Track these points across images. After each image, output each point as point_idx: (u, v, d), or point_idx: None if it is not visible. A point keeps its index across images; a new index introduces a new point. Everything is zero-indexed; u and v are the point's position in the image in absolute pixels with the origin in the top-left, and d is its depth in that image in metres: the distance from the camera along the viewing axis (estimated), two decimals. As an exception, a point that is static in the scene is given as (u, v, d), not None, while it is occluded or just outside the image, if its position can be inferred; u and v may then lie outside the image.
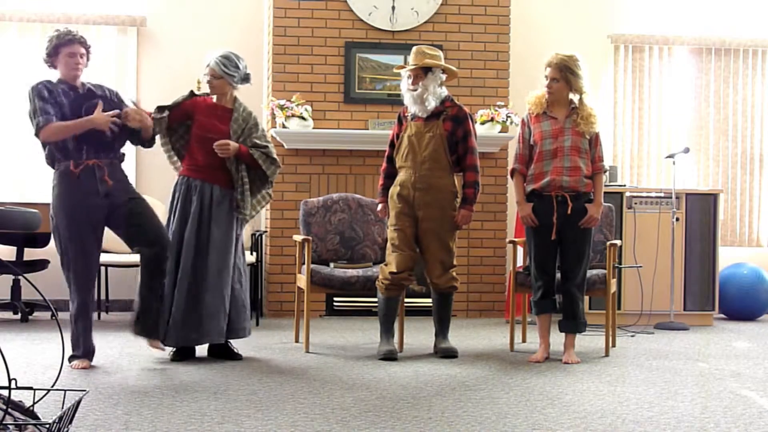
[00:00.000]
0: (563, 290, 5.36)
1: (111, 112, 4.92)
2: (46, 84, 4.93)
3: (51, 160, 4.98)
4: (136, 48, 7.64)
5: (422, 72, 5.37)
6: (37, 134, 4.88)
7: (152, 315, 5.05)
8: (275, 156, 5.36)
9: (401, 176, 5.45)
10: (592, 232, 5.40)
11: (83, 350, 4.94)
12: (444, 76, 5.44)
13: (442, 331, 5.54)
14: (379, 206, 5.62)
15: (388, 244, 5.50)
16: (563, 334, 5.41)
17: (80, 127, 4.86)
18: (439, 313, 5.54)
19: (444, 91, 5.44)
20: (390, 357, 5.28)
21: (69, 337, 4.95)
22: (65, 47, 4.95)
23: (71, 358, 4.95)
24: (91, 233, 4.95)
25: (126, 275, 7.41)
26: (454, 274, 5.48)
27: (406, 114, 5.51)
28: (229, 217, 5.26)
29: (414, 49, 5.47)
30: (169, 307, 5.13)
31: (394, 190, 5.47)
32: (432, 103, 5.36)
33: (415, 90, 5.36)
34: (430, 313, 7.31)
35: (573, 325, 5.35)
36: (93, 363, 5.03)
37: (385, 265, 5.48)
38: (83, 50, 4.99)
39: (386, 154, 5.59)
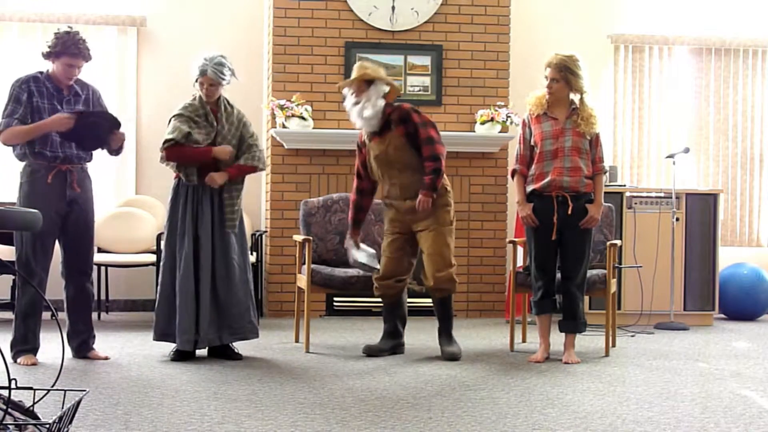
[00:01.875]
0: (563, 290, 5.36)
1: (67, 113, 4.93)
2: (32, 82, 4.95)
3: (22, 157, 5.03)
4: (136, 48, 7.64)
5: (365, 86, 5.32)
6: None
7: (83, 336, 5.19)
8: (260, 157, 5.38)
9: (386, 189, 5.44)
10: (592, 232, 5.40)
11: (32, 346, 5.00)
12: (387, 89, 5.35)
13: (442, 334, 5.48)
14: (348, 240, 5.56)
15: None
16: (563, 334, 5.41)
17: (38, 131, 4.92)
18: (437, 315, 5.50)
19: (381, 102, 5.31)
20: (368, 352, 5.40)
21: (13, 332, 5.02)
22: (68, 57, 4.97)
23: (19, 353, 4.97)
24: (51, 236, 5.02)
25: (126, 275, 7.42)
26: (452, 274, 5.37)
27: (363, 139, 5.47)
28: (240, 215, 5.39)
29: (356, 65, 5.44)
30: (194, 309, 5.16)
31: (384, 200, 5.48)
32: (368, 112, 5.27)
33: (359, 102, 5.32)
34: (430, 313, 7.32)
35: (573, 325, 5.35)
36: (91, 362, 5.07)
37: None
38: (83, 63, 5.05)
39: (354, 186, 5.55)
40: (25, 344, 4.99)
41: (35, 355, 5.03)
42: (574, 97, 5.35)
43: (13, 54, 7.49)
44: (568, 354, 5.33)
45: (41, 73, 5.04)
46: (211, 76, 5.20)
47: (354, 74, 5.38)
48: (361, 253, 5.48)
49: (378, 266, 5.48)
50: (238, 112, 5.40)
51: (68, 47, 4.95)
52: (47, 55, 5.01)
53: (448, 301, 5.47)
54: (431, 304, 7.33)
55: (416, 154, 5.31)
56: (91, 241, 5.23)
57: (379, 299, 5.62)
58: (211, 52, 5.28)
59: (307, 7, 7.35)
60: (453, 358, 5.35)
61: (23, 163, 5.06)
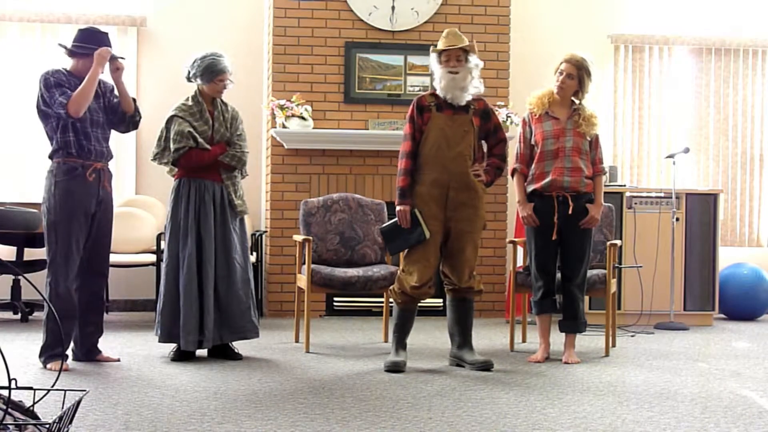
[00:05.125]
0: (564, 290, 5.36)
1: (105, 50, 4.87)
2: (54, 74, 4.86)
3: (57, 152, 4.87)
4: (136, 48, 7.64)
5: (464, 55, 5.02)
6: (66, 113, 4.76)
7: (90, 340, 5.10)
8: (241, 157, 5.34)
9: (431, 174, 4.96)
10: (592, 232, 5.40)
11: (63, 351, 4.85)
12: (482, 63, 5.12)
13: (467, 342, 5.11)
14: (400, 208, 4.96)
15: (409, 251, 5.01)
16: (563, 334, 5.41)
17: (93, 80, 4.80)
18: (463, 322, 5.11)
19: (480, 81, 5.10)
20: (395, 369, 4.87)
21: (43, 337, 4.90)
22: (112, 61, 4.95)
23: (49, 359, 4.85)
24: (83, 235, 4.94)
25: (126, 275, 7.41)
26: (478, 277, 5.15)
27: (427, 103, 5.04)
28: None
29: (447, 31, 5.05)
30: (198, 309, 5.16)
31: (422, 189, 4.96)
32: (472, 91, 4.99)
33: (458, 72, 4.96)
34: (430, 313, 7.33)
35: (573, 325, 5.35)
36: (92, 362, 5.06)
37: (403, 272, 5.02)
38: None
39: (407, 149, 4.99)
40: (56, 349, 4.84)
41: (66, 360, 4.92)
42: (575, 98, 5.36)
43: (13, 54, 7.49)
44: (568, 354, 5.33)
45: (62, 68, 4.94)
46: (229, 68, 5.25)
47: (452, 40, 5.00)
48: (427, 229, 4.94)
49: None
50: (232, 109, 5.41)
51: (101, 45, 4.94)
52: (74, 54, 4.92)
53: (473, 303, 5.16)
54: (432, 304, 7.36)
55: (477, 151, 5.05)
56: (110, 243, 5.12)
57: (380, 300, 5.56)
58: (203, 52, 5.27)
59: (307, 7, 7.35)
60: (488, 366, 4.98)
61: (54, 161, 4.90)
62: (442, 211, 4.99)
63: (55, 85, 4.82)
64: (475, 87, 5.06)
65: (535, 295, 5.41)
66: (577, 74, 5.27)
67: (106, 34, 5.04)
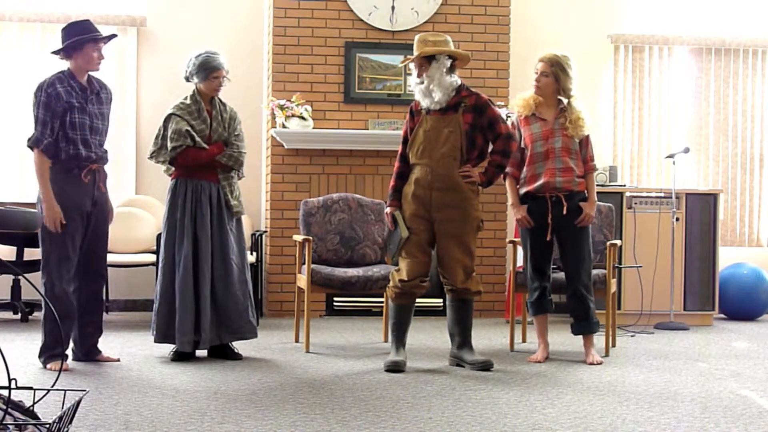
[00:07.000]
0: (570, 292, 5.32)
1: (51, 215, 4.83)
2: (57, 84, 4.83)
3: (54, 155, 4.85)
4: (136, 48, 7.64)
5: (426, 62, 4.99)
6: (29, 146, 4.82)
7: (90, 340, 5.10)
8: (239, 157, 5.34)
9: (416, 174, 5.05)
10: (589, 230, 5.39)
11: (62, 351, 4.84)
12: (449, 63, 5.00)
13: (467, 342, 5.12)
14: (388, 209, 5.15)
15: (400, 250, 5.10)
16: (577, 335, 5.37)
17: (46, 193, 4.78)
18: (463, 322, 5.11)
19: (456, 80, 5.01)
20: (395, 369, 4.88)
21: (42, 337, 4.89)
22: (92, 44, 4.90)
23: (49, 359, 4.85)
24: (80, 236, 4.93)
25: (126, 275, 7.41)
26: (477, 277, 5.13)
27: (419, 108, 5.11)
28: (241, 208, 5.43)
29: (416, 38, 5.07)
30: (194, 310, 5.16)
31: (408, 189, 5.08)
32: (438, 95, 4.94)
33: (422, 82, 4.99)
34: (431, 313, 7.34)
35: (587, 326, 5.32)
36: (92, 362, 5.06)
37: (396, 271, 5.12)
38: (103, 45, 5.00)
39: (399, 152, 5.16)
40: (56, 349, 4.83)
41: (66, 360, 4.93)
42: (563, 98, 5.34)
43: (13, 54, 7.50)
44: (590, 355, 5.28)
45: (62, 72, 4.92)
46: (225, 65, 5.25)
47: (416, 47, 5.02)
48: (405, 229, 5.04)
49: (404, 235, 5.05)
50: (230, 109, 5.42)
51: (93, 37, 4.89)
52: (66, 53, 4.90)
53: (471, 304, 5.14)
54: (432, 304, 7.37)
55: (466, 150, 5.01)
56: (107, 243, 5.12)
57: (380, 300, 5.57)
58: (197, 51, 5.28)
59: (307, 7, 7.35)
60: (488, 366, 4.99)
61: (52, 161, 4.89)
62: (427, 211, 5.05)
63: (44, 106, 4.79)
64: (442, 88, 4.98)
65: (530, 296, 5.41)
66: (551, 71, 5.25)
67: (88, 21, 5.01)
